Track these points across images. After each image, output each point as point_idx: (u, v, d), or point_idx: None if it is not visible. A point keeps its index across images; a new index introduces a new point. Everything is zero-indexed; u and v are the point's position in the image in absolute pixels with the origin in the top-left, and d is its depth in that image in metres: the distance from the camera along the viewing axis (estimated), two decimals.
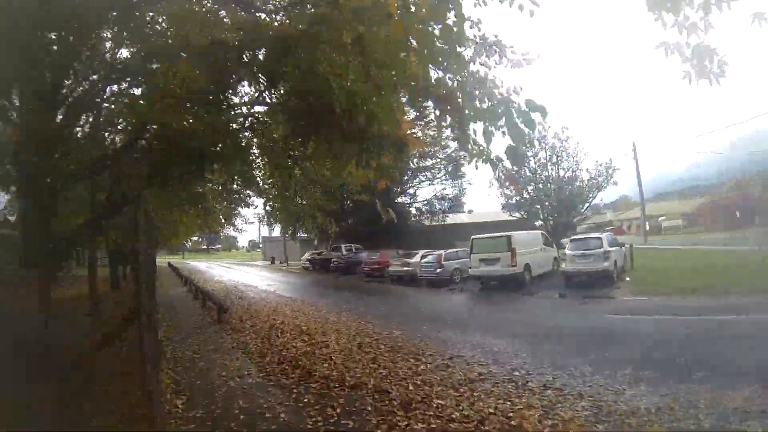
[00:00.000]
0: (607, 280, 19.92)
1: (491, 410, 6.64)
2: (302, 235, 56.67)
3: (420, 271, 27.24)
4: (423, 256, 28.74)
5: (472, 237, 24.28)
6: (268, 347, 11.26)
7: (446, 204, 47.84)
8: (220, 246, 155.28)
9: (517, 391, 7.58)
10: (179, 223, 30.94)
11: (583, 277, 20.46)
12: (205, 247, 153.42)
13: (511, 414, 6.49)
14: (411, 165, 46.36)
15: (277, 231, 61.25)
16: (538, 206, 40.52)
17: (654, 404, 6.48)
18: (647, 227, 51.64)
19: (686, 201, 75.35)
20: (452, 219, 50.38)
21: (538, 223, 40.28)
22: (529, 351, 10.26)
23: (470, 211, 55.91)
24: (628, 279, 20.74)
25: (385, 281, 30.24)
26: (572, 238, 23.18)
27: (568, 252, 21.49)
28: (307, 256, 46.00)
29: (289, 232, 54.76)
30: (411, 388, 7.80)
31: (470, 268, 23.81)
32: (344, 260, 38.07)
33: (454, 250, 28.18)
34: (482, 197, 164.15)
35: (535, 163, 40.76)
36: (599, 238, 21.41)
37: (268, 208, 17.97)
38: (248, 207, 26.11)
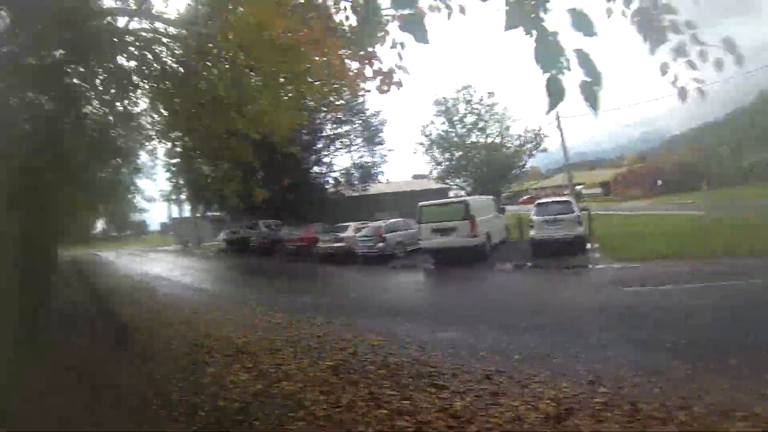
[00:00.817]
0: (578, 247, 17.94)
1: None
2: (213, 214, 52.59)
3: (357, 247, 23.72)
4: (358, 229, 25.28)
5: (420, 204, 21.25)
6: (195, 389, 7.13)
7: (365, 172, 44.07)
8: (130, 232, 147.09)
9: None
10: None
11: (554, 245, 18.03)
12: (115, 234, 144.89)
13: None
14: (326, 132, 43.64)
15: (187, 211, 56.49)
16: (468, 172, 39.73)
17: None
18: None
19: (599, 172, 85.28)
20: (372, 189, 47.11)
21: (461, 192, 39.50)
22: (585, 351, 7.43)
23: (388, 181, 53.32)
24: (592, 246, 18.98)
25: (314, 260, 26.83)
26: (537, 202, 20.73)
27: (534, 218, 19.04)
28: (222, 236, 41.30)
29: (199, 208, 50.23)
30: None
31: (420, 240, 20.88)
32: (264, 239, 34.07)
33: (394, 220, 25.05)
34: (397, 166, 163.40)
35: (462, 127, 39.90)
36: (569, 202, 19.55)
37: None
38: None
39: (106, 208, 38.15)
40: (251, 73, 9.84)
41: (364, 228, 24.83)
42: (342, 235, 25.97)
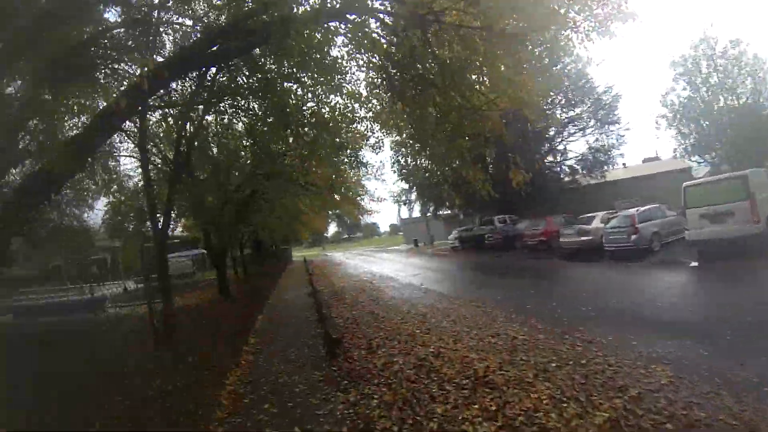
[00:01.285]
0: None
1: None
2: (445, 212, 53.34)
3: (606, 240, 21.59)
4: (605, 220, 23.28)
5: (685, 184, 17.92)
6: None
7: (604, 156, 40.59)
8: (361, 234, 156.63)
9: None
10: (300, 211, 29.17)
11: None
12: (346, 236, 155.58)
13: None
14: (557, 116, 40.37)
15: (417, 211, 58.04)
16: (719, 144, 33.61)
17: None
18: None
19: None
20: (609, 176, 42.35)
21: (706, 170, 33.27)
22: None
23: (625, 165, 47.73)
24: None
25: (557, 257, 24.60)
26: None
27: None
28: (454, 234, 41.38)
29: (430, 208, 51.47)
30: None
31: (687, 230, 17.49)
32: (500, 234, 33.01)
33: (648, 207, 22.22)
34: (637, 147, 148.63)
35: (706, 90, 34.12)
36: None
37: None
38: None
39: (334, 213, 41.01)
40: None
41: (613, 218, 22.74)
42: (588, 227, 23.82)
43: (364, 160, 21.29)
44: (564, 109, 39.78)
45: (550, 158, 42.29)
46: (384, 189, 62.95)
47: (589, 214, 25.53)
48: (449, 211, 53.80)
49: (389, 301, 16.66)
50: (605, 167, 40.03)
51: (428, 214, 53.65)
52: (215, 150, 17.70)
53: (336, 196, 24.63)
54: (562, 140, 41.71)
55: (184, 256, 47.58)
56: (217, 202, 18.86)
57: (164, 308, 12.01)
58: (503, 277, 20.46)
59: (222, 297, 20.64)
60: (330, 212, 48.01)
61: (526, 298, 14.05)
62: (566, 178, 41.66)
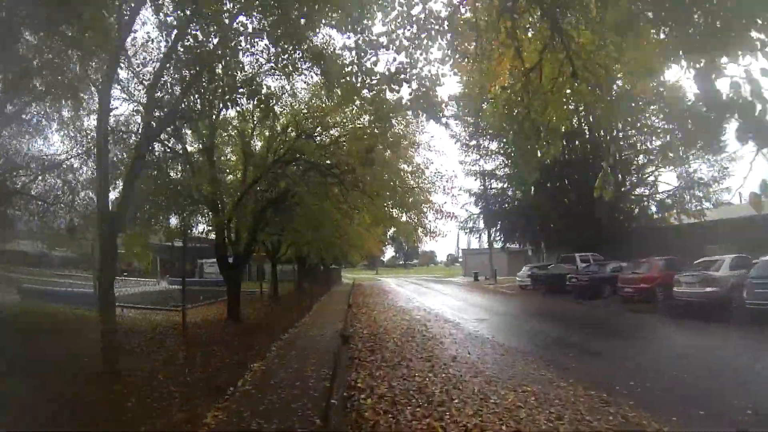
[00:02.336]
0: None
1: None
2: (511, 246, 47.79)
3: (747, 294, 15.27)
4: (739, 265, 17.50)
5: None
6: None
7: (698, 192, 33.83)
8: (417, 261, 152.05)
9: None
10: (356, 229, 26.45)
11: None
12: (402, 262, 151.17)
13: None
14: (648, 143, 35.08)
15: (475, 242, 52.60)
16: None
17: None
18: None
19: None
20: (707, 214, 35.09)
21: None
22: None
23: (730, 203, 35.30)
24: None
25: (661, 312, 18.95)
26: None
27: None
28: (525, 270, 35.06)
29: (498, 239, 45.88)
30: None
31: None
32: (586, 277, 26.62)
33: None
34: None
35: None
36: None
37: None
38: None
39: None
40: None
41: (755, 264, 16.64)
42: (715, 274, 17.71)
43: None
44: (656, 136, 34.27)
45: (638, 190, 36.41)
46: (454, 205, 57.25)
47: (707, 258, 19.73)
48: (515, 245, 48.86)
49: (451, 366, 10.59)
50: (703, 204, 33.30)
51: (495, 246, 47.96)
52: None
53: (393, 210, 19.79)
54: (655, 169, 35.62)
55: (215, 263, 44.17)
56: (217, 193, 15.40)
57: (102, 321, 8.60)
58: (604, 337, 14.56)
59: (230, 319, 16.18)
60: (385, 232, 43.42)
61: (638, 375, 9.13)
62: (655, 215, 35.65)
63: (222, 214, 15.82)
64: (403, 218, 20.55)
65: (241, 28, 8.52)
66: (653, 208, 36.13)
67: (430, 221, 19.58)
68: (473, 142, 41.34)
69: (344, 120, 17.57)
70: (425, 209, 19.22)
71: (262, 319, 17.90)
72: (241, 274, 17.60)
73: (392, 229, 30.22)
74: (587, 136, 36.55)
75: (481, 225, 45.52)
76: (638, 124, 33.79)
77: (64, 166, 14.45)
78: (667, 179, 38.22)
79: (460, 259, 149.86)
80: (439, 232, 20.29)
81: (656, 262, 22.12)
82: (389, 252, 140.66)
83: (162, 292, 24.33)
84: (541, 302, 26.27)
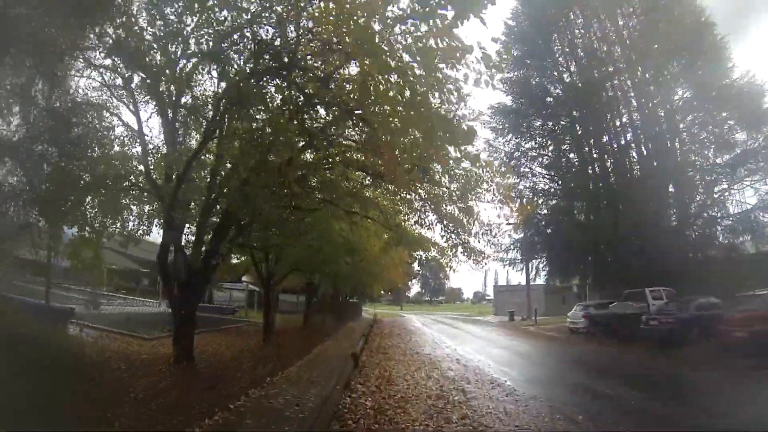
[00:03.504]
0: None
1: None
2: (553, 284, 41.72)
3: None
4: None
5: None
6: None
7: None
8: (443, 298, 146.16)
9: None
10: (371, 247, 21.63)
11: None
12: (427, 298, 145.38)
13: None
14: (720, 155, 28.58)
15: (503, 279, 46.49)
16: None
17: None
18: None
19: None
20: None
21: None
22: None
23: None
24: None
25: None
26: None
27: None
28: (577, 311, 28.44)
29: (542, 272, 39.65)
30: None
31: None
32: (670, 317, 19.67)
33: None
34: None
35: None
36: None
37: None
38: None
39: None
40: None
41: None
42: None
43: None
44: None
45: (705, 214, 29.51)
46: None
47: None
48: (555, 281, 43.13)
49: None
50: None
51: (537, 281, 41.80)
52: None
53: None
54: (728, 188, 28.87)
55: (228, 288, 39.75)
56: None
57: None
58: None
59: (178, 361, 10.90)
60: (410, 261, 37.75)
61: None
62: (724, 242, 28.98)
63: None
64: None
65: None
66: (720, 235, 29.37)
67: (474, 234, 13.68)
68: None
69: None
70: (468, 216, 13.17)
71: (227, 362, 13.07)
72: (197, 296, 11.98)
73: (419, 255, 24.89)
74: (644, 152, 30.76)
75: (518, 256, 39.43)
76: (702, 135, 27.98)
77: None
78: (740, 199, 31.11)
79: (488, 297, 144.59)
80: (485, 255, 14.71)
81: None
82: (415, 287, 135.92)
83: (157, 314, 22.08)
84: (610, 353, 19.61)
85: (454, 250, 14.06)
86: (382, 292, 60.10)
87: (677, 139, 29.38)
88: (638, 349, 19.31)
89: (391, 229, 15.66)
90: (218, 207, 11.45)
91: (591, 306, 27.47)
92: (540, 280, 44.87)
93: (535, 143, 36.51)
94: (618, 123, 32.07)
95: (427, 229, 14.81)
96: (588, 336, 25.46)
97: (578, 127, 33.22)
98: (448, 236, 13.77)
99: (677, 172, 28.11)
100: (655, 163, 29.40)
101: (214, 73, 10.15)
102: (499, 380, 12.45)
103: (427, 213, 13.67)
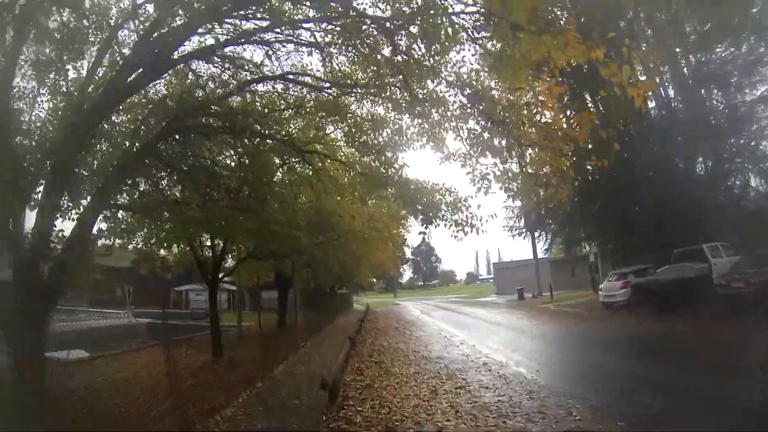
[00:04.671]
0: None
1: None
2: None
3: None
4: None
5: None
6: None
7: None
8: (437, 282, 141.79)
9: None
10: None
11: None
12: (421, 283, 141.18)
13: None
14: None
15: (506, 255, 42.16)
16: None
17: None
18: None
19: None
20: None
21: None
22: None
23: None
24: None
25: None
26: None
27: None
28: (614, 281, 22.76)
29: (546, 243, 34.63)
30: None
31: None
32: (756, 279, 14.41)
33: None
34: None
35: None
36: None
37: None
38: None
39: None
40: None
41: None
42: None
43: None
44: None
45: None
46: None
47: None
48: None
49: None
50: None
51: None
52: None
53: None
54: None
55: (203, 290, 35.68)
56: None
57: None
58: None
59: None
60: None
61: None
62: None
63: None
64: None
65: None
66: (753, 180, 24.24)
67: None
68: None
69: None
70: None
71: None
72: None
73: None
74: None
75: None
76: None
77: None
78: None
79: (481, 277, 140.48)
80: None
81: None
82: (407, 273, 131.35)
83: (125, 327, 21.90)
84: (700, 333, 14.21)
85: (483, 183, 8.62)
86: (373, 279, 54.56)
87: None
88: (714, 324, 14.12)
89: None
90: None
91: (629, 273, 22.02)
92: (540, 254, 40.73)
93: None
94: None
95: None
96: (632, 311, 20.08)
97: None
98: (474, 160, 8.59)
99: (707, 113, 22.84)
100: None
101: None
102: (580, 410, 7.10)
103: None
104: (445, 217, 10.15)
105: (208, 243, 15.46)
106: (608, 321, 19.52)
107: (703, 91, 23.75)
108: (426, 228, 10.40)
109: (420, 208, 10.30)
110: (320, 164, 12.19)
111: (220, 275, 15.63)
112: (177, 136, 9.25)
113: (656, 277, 19.91)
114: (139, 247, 12.59)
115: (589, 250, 35.31)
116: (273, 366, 12.31)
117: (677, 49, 24.22)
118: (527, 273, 45.97)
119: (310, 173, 12.31)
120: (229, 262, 18.85)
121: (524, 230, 35.66)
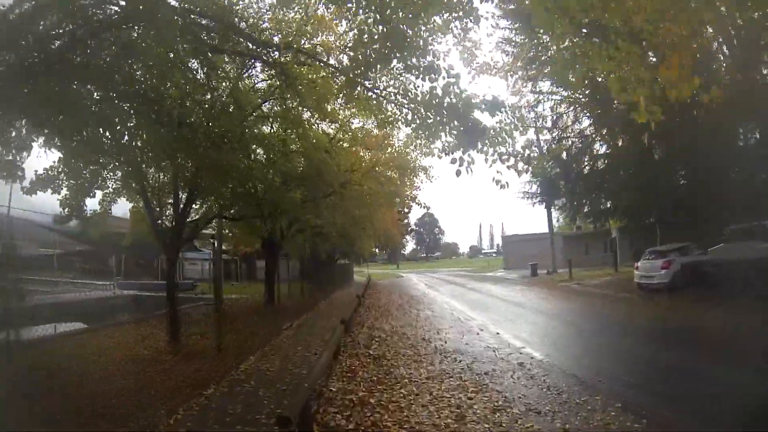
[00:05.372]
0: None
1: None
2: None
3: None
4: None
5: None
6: None
7: None
8: (439, 254, 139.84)
9: None
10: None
11: None
12: (424, 255, 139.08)
13: None
14: None
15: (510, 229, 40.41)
16: None
17: None
18: None
19: None
20: None
21: None
22: None
23: None
24: None
25: None
26: None
27: None
28: (652, 259, 19.04)
29: (573, 214, 31.38)
30: None
31: None
32: None
33: None
34: None
35: None
36: None
37: None
38: None
39: None
40: None
41: None
42: None
43: None
44: None
45: None
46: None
47: None
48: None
49: None
50: None
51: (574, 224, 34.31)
52: None
53: None
54: None
55: (198, 259, 35.01)
56: None
57: None
58: None
59: None
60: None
61: None
62: None
63: None
64: None
65: None
66: None
67: None
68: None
69: None
70: None
71: None
72: None
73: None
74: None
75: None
76: None
77: None
78: None
79: (484, 251, 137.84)
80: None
81: None
82: (410, 245, 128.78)
83: (104, 300, 20.30)
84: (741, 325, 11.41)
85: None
86: (375, 249, 51.62)
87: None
88: None
89: None
90: None
91: (671, 252, 18.87)
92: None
93: None
94: None
95: None
96: (677, 295, 17.05)
97: None
98: None
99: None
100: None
101: None
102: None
103: None
104: (486, 150, 6.98)
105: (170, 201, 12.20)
106: (657, 307, 16.27)
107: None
108: (466, 156, 6.99)
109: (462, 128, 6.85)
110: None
111: (184, 237, 12.45)
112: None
113: (711, 257, 16.89)
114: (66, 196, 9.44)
115: (611, 225, 32.14)
116: (242, 358, 9.40)
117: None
118: (538, 247, 43.40)
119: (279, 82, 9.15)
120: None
121: (541, 198, 32.76)
